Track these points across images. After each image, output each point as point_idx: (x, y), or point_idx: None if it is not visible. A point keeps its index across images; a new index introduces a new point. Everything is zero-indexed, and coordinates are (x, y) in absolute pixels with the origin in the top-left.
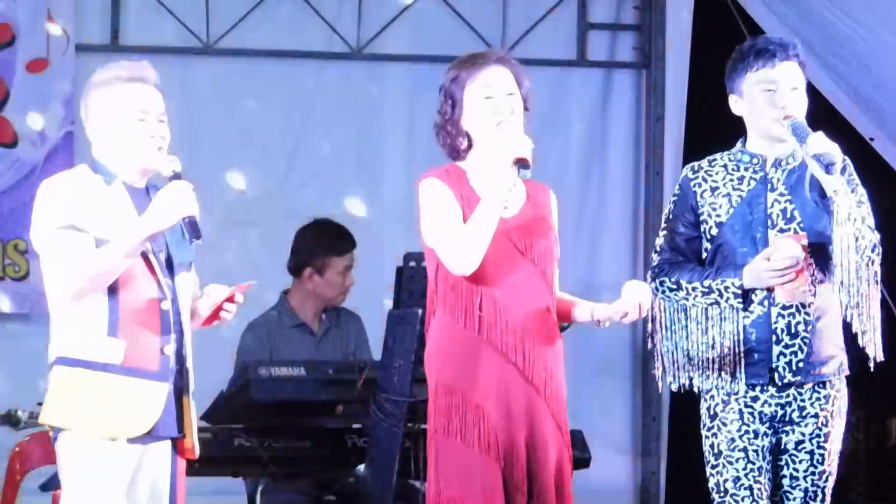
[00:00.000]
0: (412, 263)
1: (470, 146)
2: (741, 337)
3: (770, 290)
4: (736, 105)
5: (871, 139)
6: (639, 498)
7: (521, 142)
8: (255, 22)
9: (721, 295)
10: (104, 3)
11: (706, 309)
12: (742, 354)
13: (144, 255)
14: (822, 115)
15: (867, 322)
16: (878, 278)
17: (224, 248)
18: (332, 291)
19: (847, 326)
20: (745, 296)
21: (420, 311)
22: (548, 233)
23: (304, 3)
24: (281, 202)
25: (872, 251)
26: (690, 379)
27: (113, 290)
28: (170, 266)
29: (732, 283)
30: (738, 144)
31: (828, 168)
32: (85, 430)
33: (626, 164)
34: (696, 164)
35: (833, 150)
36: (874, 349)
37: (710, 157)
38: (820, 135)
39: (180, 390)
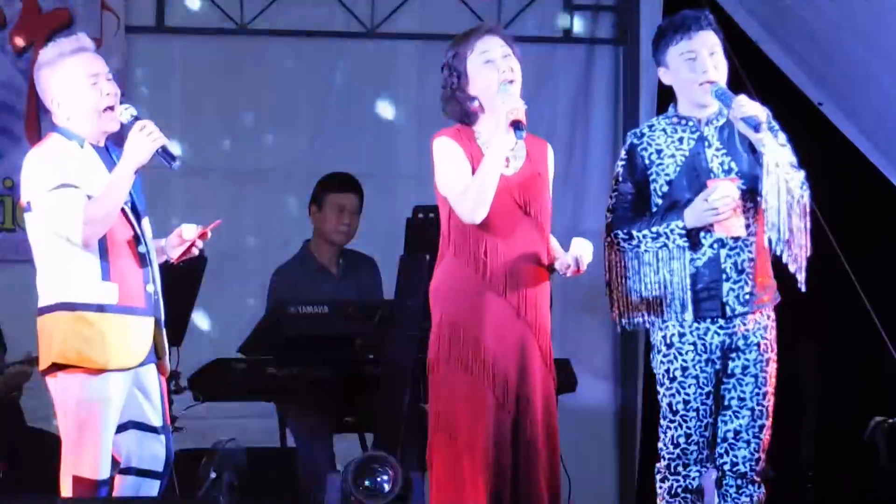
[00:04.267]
0: (420, 215)
1: (478, 109)
2: (686, 272)
3: (710, 229)
4: (664, 76)
5: (820, 104)
6: (619, 418)
7: (517, 106)
8: (283, 5)
9: (668, 237)
10: None
11: (657, 252)
12: (688, 287)
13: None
14: (777, 83)
15: (797, 251)
16: (808, 210)
17: (257, 202)
18: (328, 226)
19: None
20: (689, 235)
21: (427, 257)
22: (543, 188)
23: None
24: (306, 164)
25: (801, 188)
26: (643, 317)
27: (102, 241)
28: (136, 213)
29: (677, 226)
30: (671, 110)
31: (756, 128)
32: (89, 364)
33: (606, 127)
34: (637, 130)
35: (757, 110)
36: (802, 275)
37: (649, 123)
38: (743, 97)
39: (158, 320)
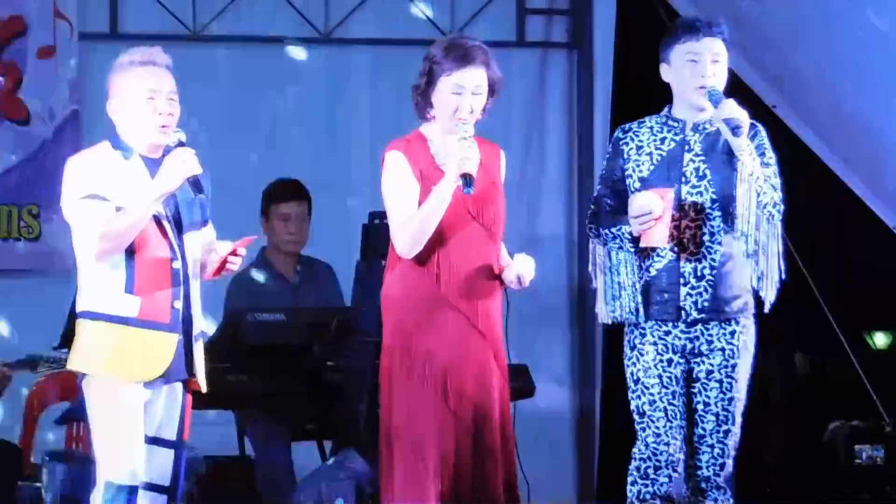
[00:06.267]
0: (376, 221)
1: (433, 118)
2: (635, 276)
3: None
4: (665, 73)
5: (774, 106)
6: (577, 423)
7: (469, 157)
8: (236, 11)
9: (621, 240)
10: None
11: (616, 252)
12: (637, 290)
13: (157, 220)
14: (731, 85)
15: (765, 269)
16: (779, 232)
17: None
18: (277, 237)
19: None
20: (637, 241)
21: (384, 262)
22: (496, 197)
23: None
24: (260, 171)
25: (773, 207)
26: (612, 312)
27: (130, 253)
28: (179, 226)
29: (625, 229)
30: (665, 109)
31: (734, 131)
32: (105, 375)
33: (560, 132)
34: (627, 125)
35: (741, 115)
36: (767, 294)
37: (640, 120)
38: (731, 101)
39: (189, 337)
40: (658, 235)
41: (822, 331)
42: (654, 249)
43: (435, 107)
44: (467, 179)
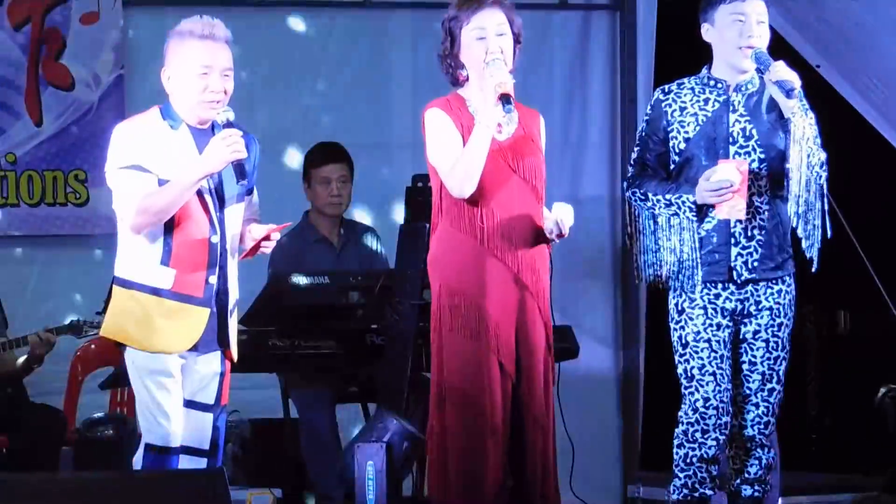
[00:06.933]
0: (419, 183)
1: (468, 76)
2: (697, 244)
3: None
4: (707, 33)
5: (818, 66)
6: (621, 383)
7: (504, 80)
8: None
9: (679, 208)
10: None
11: (669, 218)
12: (698, 259)
13: (199, 193)
14: (773, 45)
15: (811, 230)
16: (825, 192)
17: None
18: (319, 201)
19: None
20: (700, 210)
21: (427, 225)
22: (536, 152)
23: None
24: (300, 135)
25: (820, 167)
26: (659, 277)
27: (169, 226)
28: (220, 200)
29: (688, 198)
30: (704, 70)
31: (788, 93)
32: (135, 343)
33: (603, 93)
34: (666, 86)
35: (793, 77)
36: (814, 255)
37: (679, 81)
38: (781, 63)
39: (223, 311)
40: (735, 207)
41: (866, 289)
42: (704, 218)
43: (465, 63)
44: (507, 99)
